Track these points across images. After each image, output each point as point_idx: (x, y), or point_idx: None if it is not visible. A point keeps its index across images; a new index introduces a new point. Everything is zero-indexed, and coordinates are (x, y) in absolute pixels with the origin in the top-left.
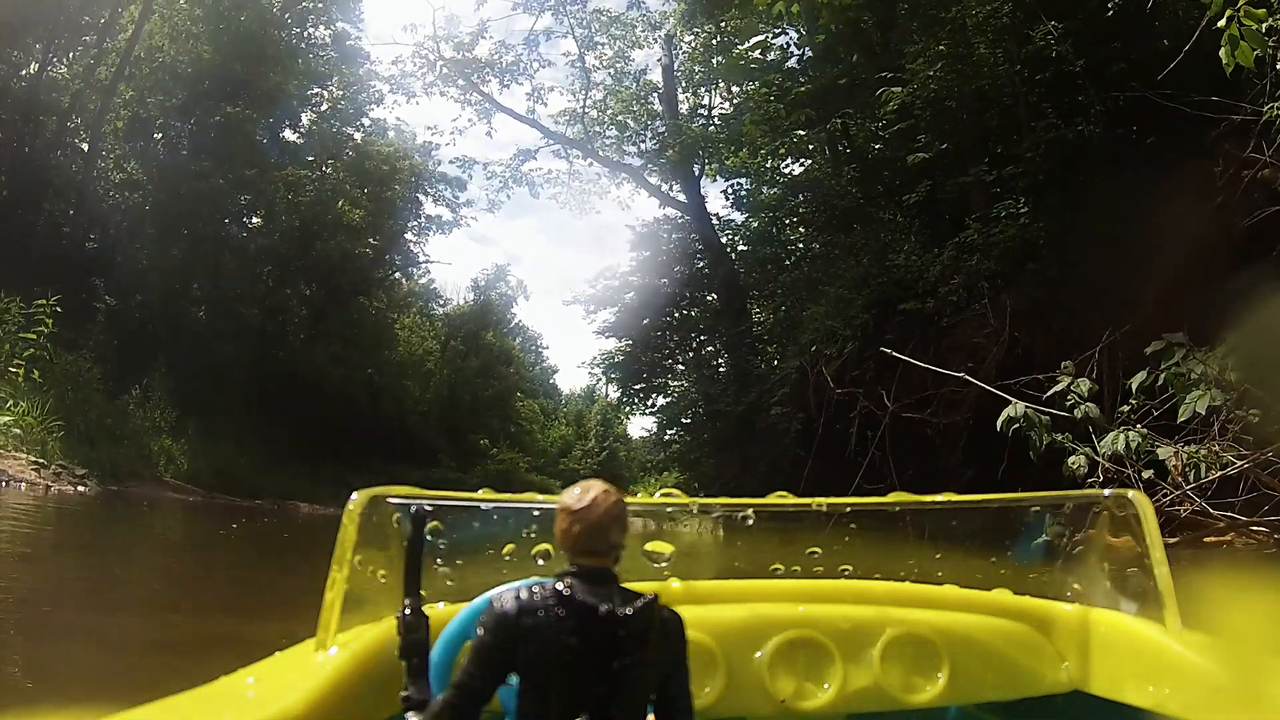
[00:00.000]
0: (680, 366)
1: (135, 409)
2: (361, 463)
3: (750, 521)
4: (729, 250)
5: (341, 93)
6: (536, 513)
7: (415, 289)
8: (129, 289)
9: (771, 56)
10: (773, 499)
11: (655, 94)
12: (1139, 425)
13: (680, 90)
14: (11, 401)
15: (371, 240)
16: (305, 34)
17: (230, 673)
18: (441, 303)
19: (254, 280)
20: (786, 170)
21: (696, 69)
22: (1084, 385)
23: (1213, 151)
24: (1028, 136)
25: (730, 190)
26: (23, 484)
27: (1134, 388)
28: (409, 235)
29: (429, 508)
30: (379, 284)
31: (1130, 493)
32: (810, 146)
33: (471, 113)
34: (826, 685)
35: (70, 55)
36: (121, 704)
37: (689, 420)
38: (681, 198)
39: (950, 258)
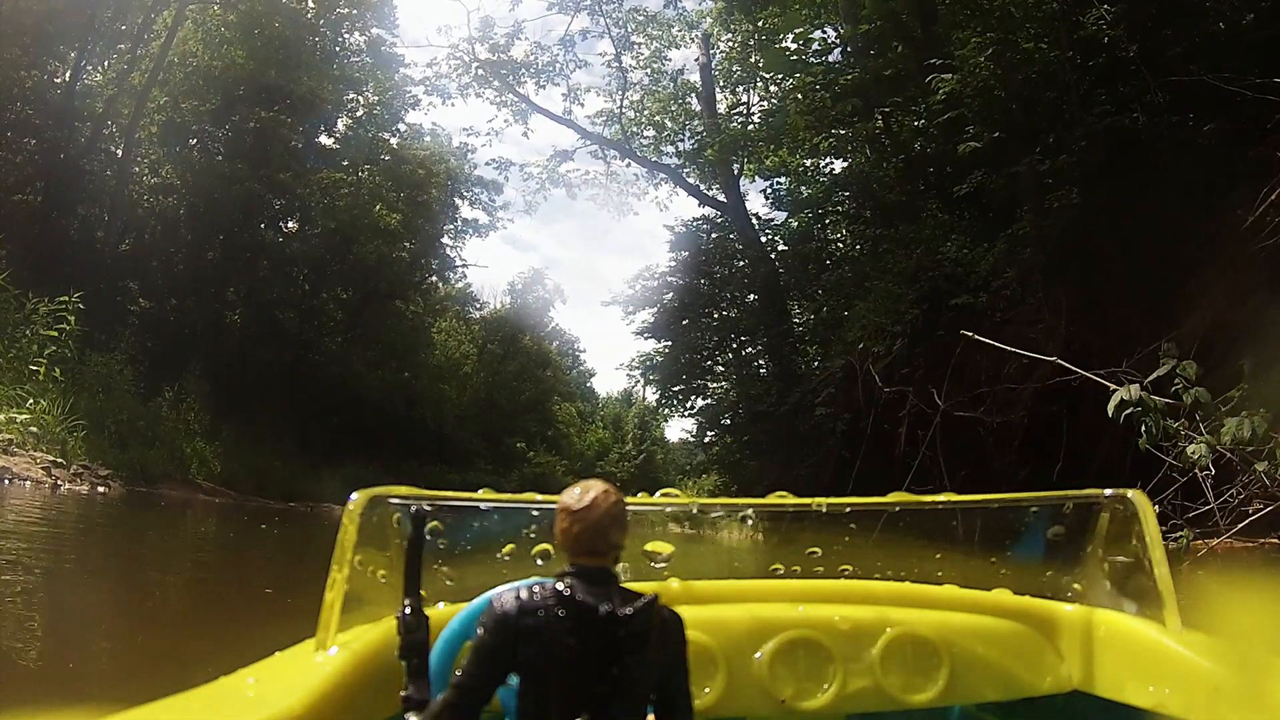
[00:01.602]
0: (720, 368)
1: (168, 411)
2: (398, 466)
3: (750, 521)
4: (769, 250)
5: (377, 98)
6: (536, 513)
7: (452, 293)
8: (164, 293)
9: (815, 47)
10: (773, 499)
11: (693, 93)
12: (1262, 410)
13: (718, 89)
14: (32, 400)
15: (408, 244)
16: (340, 40)
17: (230, 673)
18: (478, 306)
19: (290, 284)
20: (827, 168)
21: (734, 68)
22: (1190, 368)
23: (1274, 137)
24: (1080, 125)
25: (770, 190)
26: (28, 482)
27: (1245, 369)
28: (445, 239)
29: (429, 508)
30: (415, 288)
31: (1130, 493)
32: (856, 139)
33: (508, 114)
34: (826, 685)
35: (105, 63)
36: (122, 704)
37: (728, 422)
38: (721, 197)
39: (1002, 251)
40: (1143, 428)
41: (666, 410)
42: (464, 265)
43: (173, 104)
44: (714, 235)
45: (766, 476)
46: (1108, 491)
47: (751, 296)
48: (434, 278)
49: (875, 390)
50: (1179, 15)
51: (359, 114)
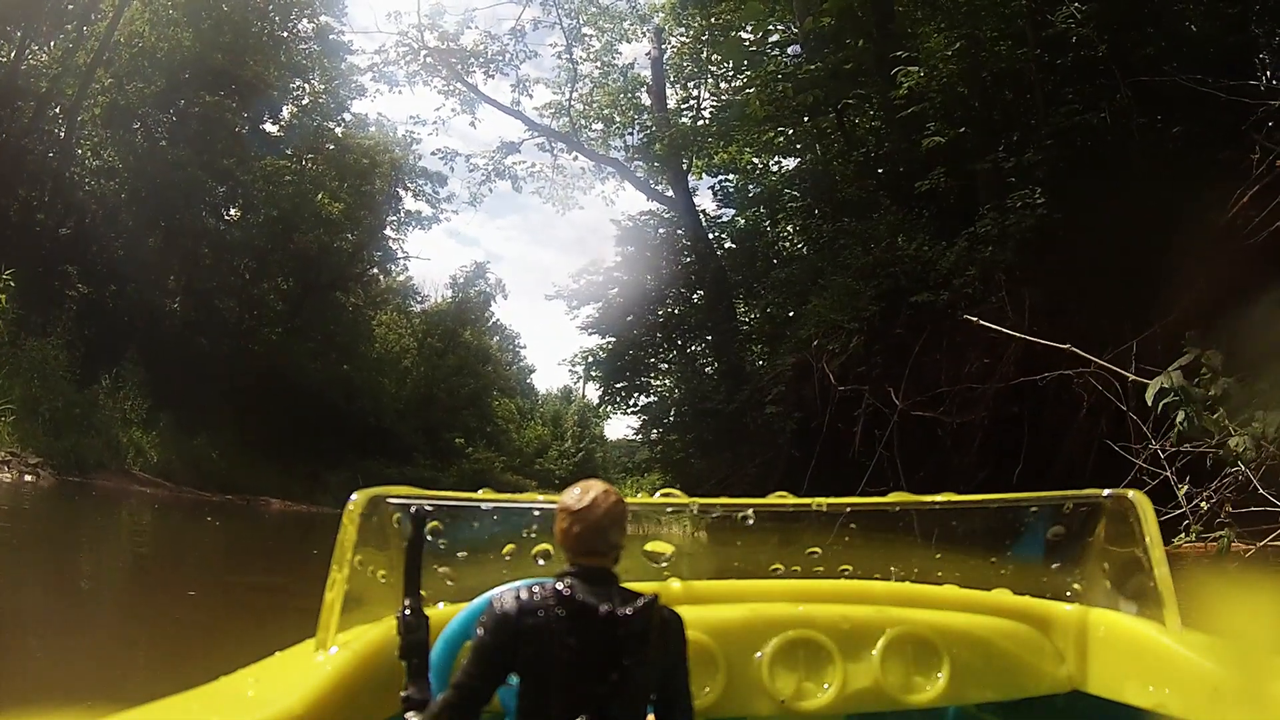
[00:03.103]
0: (664, 365)
1: (105, 399)
2: (336, 459)
3: (750, 521)
4: (715, 247)
5: (323, 87)
6: (536, 513)
7: (393, 285)
8: (104, 278)
9: (774, 38)
10: (773, 499)
11: (643, 88)
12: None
13: (668, 84)
14: None
15: (350, 235)
16: (288, 25)
17: (230, 673)
18: (419, 299)
19: (230, 272)
20: (777, 166)
21: (686, 63)
22: (1217, 358)
23: (1246, 140)
24: (1046, 124)
25: (718, 187)
26: None
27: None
28: (388, 230)
29: (429, 508)
30: (357, 279)
31: (1130, 493)
32: (813, 133)
33: (455, 103)
34: (826, 685)
35: (51, 42)
36: (122, 704)
37: (672, 419)
38: (669, 193)
39: (963, 249)
40: (1179, 418)
41: (609, 407)
42: (406, 258)
43: (117, 85)
44: (661, 231)
45: (713, 475)
46: (1107, 491)
47: (698, 294)
48: (375, 269)
49: (829, 389)
50: (1149, 16)
51: (304, 102)
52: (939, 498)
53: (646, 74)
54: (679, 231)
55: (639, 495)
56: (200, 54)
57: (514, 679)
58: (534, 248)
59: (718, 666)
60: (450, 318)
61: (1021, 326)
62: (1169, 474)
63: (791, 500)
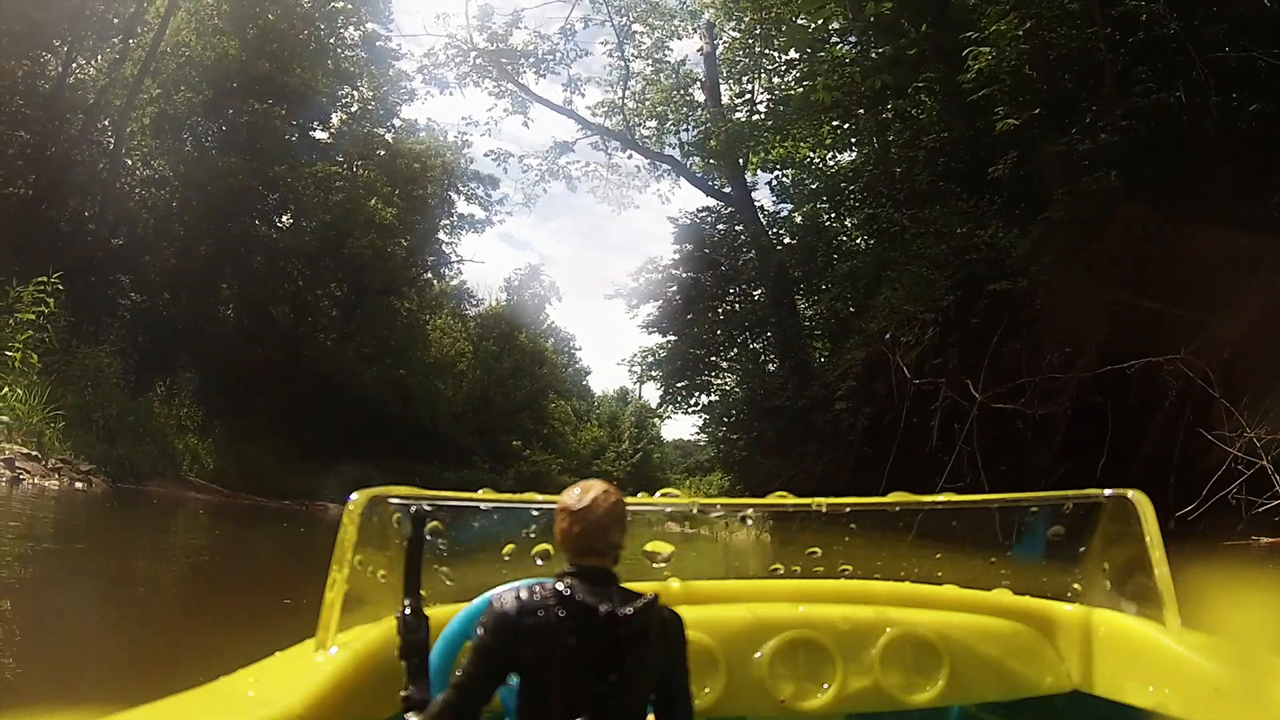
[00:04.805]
0: (724, 363)
1: (160, 406)
2: (393, 464)
3: (750, 521)
4: (775, 243)
5: (371, 94)
6: (536, 513)
7: (447, 289)
8: (157, 286)
9: (835, 26)
10: (773, 499)
11: (696, 84)
12: None
13: (721, 80)
14: (6, 388)
15: (403, 240)
16: (335, 33)
17: (230, 673)
18: (474, 303)
19: (283, 279)
20: (833, 160)
21: (739, 57)
22: None
23: None
24: (1121, 104)
25: (775, 182)
26: None
27: None
28: (441, 234)
29: (429, 508)
30: (410, 283)
31: (1130, 493)
32: (874, 124)
33: (507, 103)
34: (826, 685)
35: (97, 55)
36: (122, 703)
37: (731, 419)
38: (726, 189)
39: (1038, 235)
40: None
41: (669, 407)
42: (460, 261)
43: (165, 95)
44: (720, 227)
45: (779, 475)
46: (1108, 491)
47: (759, 290)
48: (429, 274)
49: (904, 382)
50: None
51: (353, 109)
52: (939, 498)
53: (699, 70)
54: (737, 227)
55: (639, 495)
56: (247, 63)
57: (514, 679)
58: (587, 250)
59: (718, 666)
60: (505, 321)
61: (1102, 313)
62: (1265, 462)
63: (791, 500)
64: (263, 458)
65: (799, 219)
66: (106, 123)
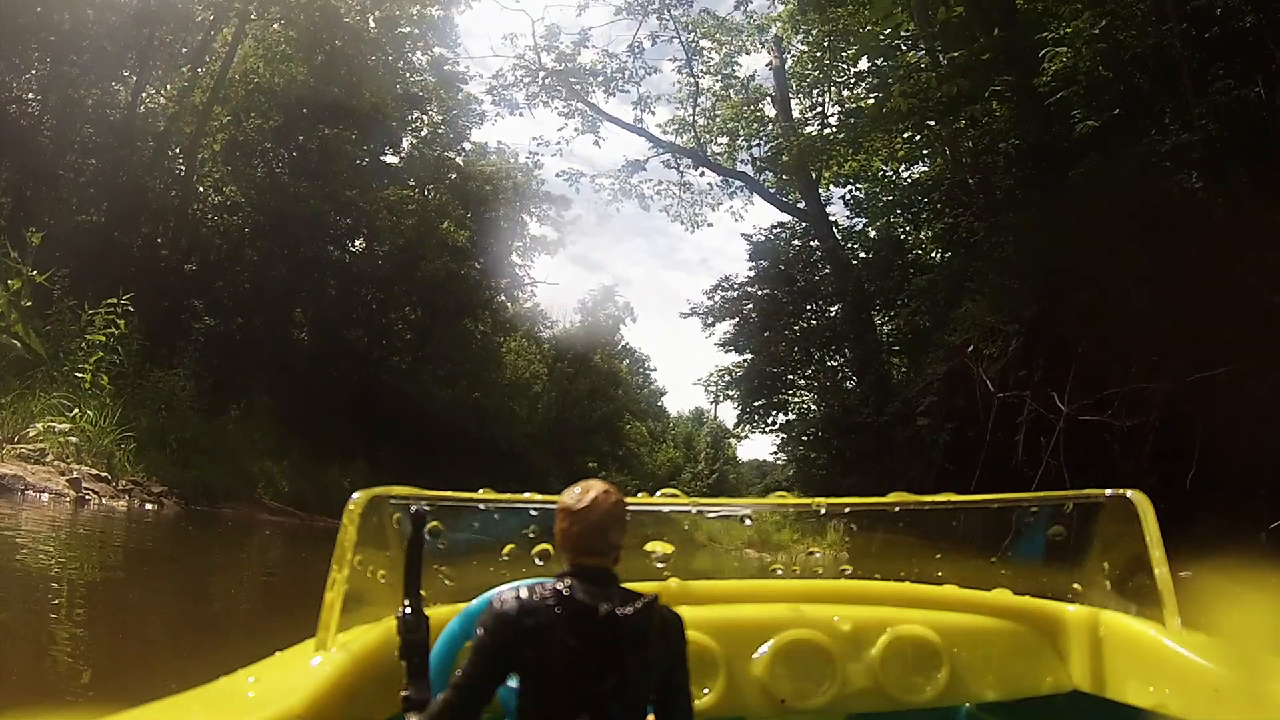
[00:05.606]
0: (801, 381)
1: (234, 429)
2: (469, 485)
3: (750, 522)
4: (851, 258)
5: (441, 117)
6: (536, 513)
7: (521, 311)
8: (230, 310)
9: (906, 31)
10: (773, 499)
11: (766, 99)
12: None
13: (790, 94)
14: (76, 409)
15: (476, 263)
16: (403, 58)
17: (230, 673)
18: (548, 325)
19: (358, 303)
20: (906, 173)
21: (808, 69)
22: None
23: None
24: (1199, 103)
25: (848, 196)
26: (45, 494)
27: None
28: (514, 257)
29: (429, 508)
30: (484, 306)
31: (1130, 493)
32: (944, 134)
33: (577, 122)
34: (826, 685)
35: (166, 84)
36: (122, 704)
37: (810, 437)
38: (800, 205)
39: (1122, 240)
40: None
41: (747, 426)
42: (533, 283)
43: (235, 122)
44: (795, 243)
45: (858, 493)
46: (1108, 491)
47: (835, 306)
48: (503, 296)
49: (987, 396)
50: None
51: (423, 133)
52: (939, 498)
53: (768, 84)
54: (812, 243)
55: (639, 495)
56: (316, 88)
57: (514, 679)
58: (661, 269)
59: (718, 666)
60: (580, 342)
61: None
62: None
63: (791, 500)
64: (338, 480)
65: (873, 233)
66: (177, 150)
